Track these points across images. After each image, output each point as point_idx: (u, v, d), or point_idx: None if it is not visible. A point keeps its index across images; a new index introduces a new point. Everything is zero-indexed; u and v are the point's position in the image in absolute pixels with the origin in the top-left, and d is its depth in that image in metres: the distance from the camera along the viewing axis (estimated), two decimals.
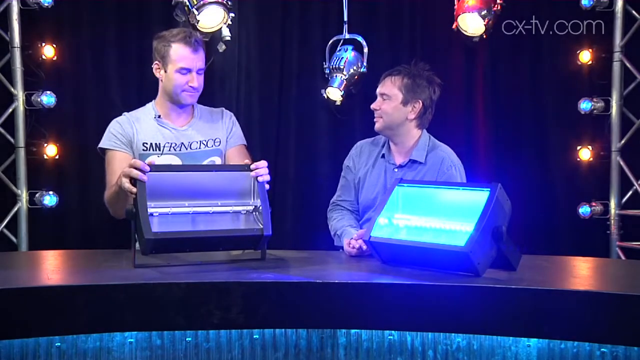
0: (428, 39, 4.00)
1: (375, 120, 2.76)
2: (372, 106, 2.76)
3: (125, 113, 2.72)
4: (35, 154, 3.85)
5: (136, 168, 2.10)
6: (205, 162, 2.65)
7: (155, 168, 2.14)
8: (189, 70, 2.59)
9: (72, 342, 1.89)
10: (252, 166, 2.24)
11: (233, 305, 1.83)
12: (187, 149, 2.66)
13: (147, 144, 2.63)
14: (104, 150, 2.65)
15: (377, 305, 1.87)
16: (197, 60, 2.61)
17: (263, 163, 2.26)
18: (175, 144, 2.65)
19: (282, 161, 3.97)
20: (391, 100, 2.72)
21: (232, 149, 2.73)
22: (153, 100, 2.73)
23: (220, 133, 2.73)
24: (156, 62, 2.65)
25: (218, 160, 2.69)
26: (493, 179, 3.73)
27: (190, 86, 2.60)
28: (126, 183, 2.12)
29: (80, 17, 3.87)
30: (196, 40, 2.61)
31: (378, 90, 2.78)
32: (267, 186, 2.27)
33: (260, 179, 2.23)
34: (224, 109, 2.83)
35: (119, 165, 2.48)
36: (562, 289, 1.86)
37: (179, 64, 2.59)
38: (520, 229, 3.55)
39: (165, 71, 2.62)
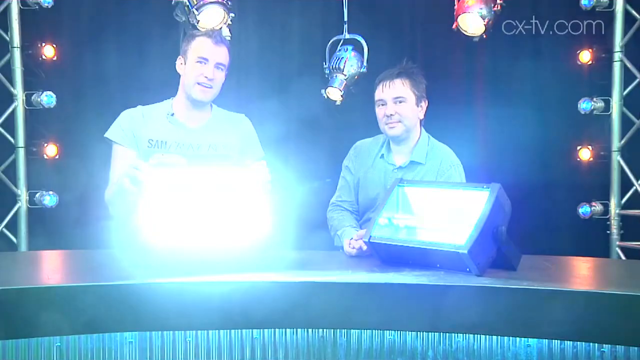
0: (428, 39, 4.00)
1: (392, 126, 2.69)
2: (387, 112, 2.67)
3: (140, 106, 2.69)
4: (35, 154, 3.85)
5: (137, 169, 2.09)
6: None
7: (156, 166, 2.14)
8: (206, 60, 2.58)
9: (72, 342, 1.89)
10: (251, 167, 2.23)
11: (233, 305, 1.83)
12: (195, 150, 2.61)
13: (152, 140, 2.59)
14: (111, 143, 2.62)
15: (377, 305, 1.87)
16: (216, 52, 2.60)
17: (262, 163, 2.26)
18: (183, 144, 2.61)
19: (282, 161, 3.97)
20: (407, 102, 2.69)
21: None
22: (172, 98, 2.71)
23: (233, 140, 2.68)
24: (180, 57, 2.66)
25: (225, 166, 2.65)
26: (493, 179, 3.72)
27: (205, 76, 2.58)
28: (127, 183, 2.12)
29: (80, 17, 3.88)
30: (220, 36, 2.64)
31: (387, 95, 2.69)
32: (268, 186, 2.26)
33: (260, 179, 2.23)
34: (244, 116, 2.80)
35: (121, 163, 2.47)
36: (562, 289, 1.85)
37: (197, 53, 2.59)
38: (520, 229, 3.54)
39: (186, 64, 2.63)
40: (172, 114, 2.65)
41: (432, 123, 2.87)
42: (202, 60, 2.59)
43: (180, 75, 2.69)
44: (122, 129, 2.60)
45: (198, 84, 2.59)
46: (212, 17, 3.42)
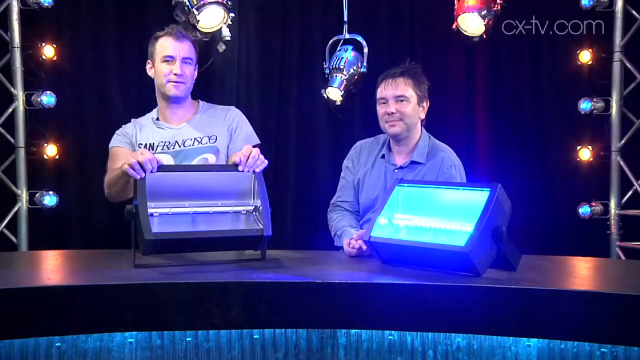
0: (428, 39, 4.00)
1: (392, 124, 2.69)
2: (388, 110, 2.67)
3: (133, 119, 2.80)
4: (35, 154, 3.85)
5: (141, 159, 2.12)
6: (197, 159, 2.65)
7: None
8: (172, 58, 2.64)
9: (72, 342, 1.89)
10: (242, 161, 2.22)
11: (233, 305, 1.83)
12: (180, 146, 2.68)
13: (141, 144, 2.67)
14: (110, 149, 2.72)
15: (377, 305, 1.87)
16: (180, 48, 2.65)
17: (251, 151, 2.24)
18: (169, 143, 2.68)
19: (282, 161, 3.97)
20: (408, 101, 2.69)
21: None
22: (158, 106, 2.78)
23: (219, 130, 2.72)
24: (148, 61, 2.74)
25: (212, 157, 2.68)
26: (493, 179, 3.73)
27: (175, 74, 2.63)
28: (128, 167, 2.13)
29: (80, 17, 3.88)
30: (180, 32, 2.68)
31: (389, 93, 2.69)
32: (265, 162, 2.26)
33: (257, 170, 2.23)
34: (233, 107, 2.84)
35: (123, 157, 2.50)
36: (562, 289, 1.86)
37: (162, 53, 2.65)
38: (520, 229, 3.55)
39: (154, 66, 2.69)
40: (157, 118, 2.74)
41: (432, 123, 2.87)
42: (168, 59, 2.65)
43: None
44: (119, 135, 2.72)
45: (169, 81, 2.65)
46: (212, 17, 3.42)
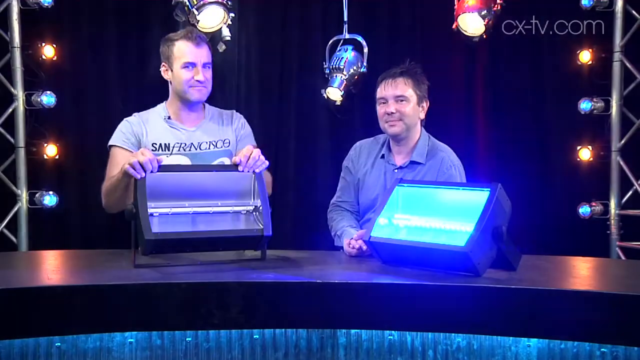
0: (428, 39, 4.00)
1: (392, 124, 2.68)
2: (388, 110, 2.67)
3: (136, 113, 2.72)
4: (35, 154, 3.85)
5: (142, 159, 2.10)
6: (215, 163, 2.64)
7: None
8: (193, 65, 2.60)
9: (72, 342, 1.89)
10: (242, 162, 2.22)
11: (233, 305, 1.84)
12: (196, 149, 2.66)
13: (156, 144, 2.62)
14: (110, 147, 2.65)
15: (377, 305, 1.87)
16: (200, 54, 2.61)
17: (252, 152, 2.24)
18: (185, 144, 2.65)
19: (282, 161, 3.97)
20: (408, 101, 2.70)
21: None
22: (164, 102, 2.73)
23: (230, 134, 2.72)
24: (163, 64, 2.68)
25: (227, 162, 2.67)
26: (493, 179, 3.73)
27: (197, 80, 2.60)
28: (128, 166, 2.12)
29: (80, 17, 3.88)
30: (198, 36, 2.63)
31: (389, 93, 2.69)
32: (266, 162, 2.25)
33: (258, 170, 2.23)
34: (234, 111, 2.83)
35: (122, 161, 2.45)
36: (562, 289, 1.86)
37: (182, 59, 2.60)
38: (520, 229, 3.54)
39: (172, 70, 2.64)
40: (169, 117, 2.69)
41: (433, 123, 2.87)
42: (189, 65, 2.61)
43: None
44: (123, 134, 2.64)
45: (191, 87, 2.62)
46: (212, 17, 3.42)
